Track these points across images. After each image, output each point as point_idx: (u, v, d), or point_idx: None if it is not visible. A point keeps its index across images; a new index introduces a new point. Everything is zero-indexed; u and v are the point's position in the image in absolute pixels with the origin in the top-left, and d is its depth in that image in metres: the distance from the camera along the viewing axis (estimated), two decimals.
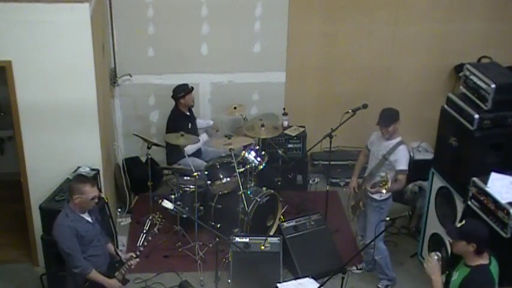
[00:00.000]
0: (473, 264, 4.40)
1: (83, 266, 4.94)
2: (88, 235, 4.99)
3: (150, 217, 6.93)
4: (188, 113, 7.36)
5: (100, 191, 5.40)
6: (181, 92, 7.20)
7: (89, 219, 5.06)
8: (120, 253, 5.38)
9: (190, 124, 7.30)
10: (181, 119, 7.23)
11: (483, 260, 4.40)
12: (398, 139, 5.94)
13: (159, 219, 5.52)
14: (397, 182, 5.88)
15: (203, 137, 7.33)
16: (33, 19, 5.66)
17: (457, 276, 4.49)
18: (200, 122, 7.59)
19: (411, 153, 7.32)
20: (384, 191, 5.64)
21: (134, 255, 5.22)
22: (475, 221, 4.94)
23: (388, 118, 5.89)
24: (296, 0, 7.55)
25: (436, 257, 4.50)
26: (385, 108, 5.98)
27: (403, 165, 5.86)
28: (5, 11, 5.60)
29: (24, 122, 5.99)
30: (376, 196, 5.94)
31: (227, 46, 7.67)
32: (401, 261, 6.54)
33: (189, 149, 6.93)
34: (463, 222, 4.69)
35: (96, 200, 5.05)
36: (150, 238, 5.34)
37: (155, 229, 5.40)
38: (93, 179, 5.28)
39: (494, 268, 4.46)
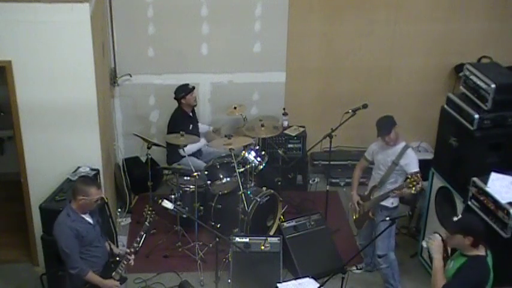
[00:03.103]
0: (471, 254, 4.44)
1: (80, 267, 4.95)
2: (88, 236, 5.00)
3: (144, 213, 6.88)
4: (191, 114, 7.37)
5: None
6: (182, 92, 7.21)
7: (90, 220, 5.07)
8: (116, 249, 5.36)
9: (191, 125, 7.30)
10: (182, 119, 7.23)
11: (480, 252, 4.44)
12: (403, 143, 5.91)
13: (149, 212, 5.45)
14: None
15: (202, 140, 7.33)
16: (33, 19, 5.66)
17: (452, 266, 4.52)
18: (201, 126, 7.59)
19: None
20: (413, 190, 5.61)
21: (129, 251, 5.21)
22: (470, 215, 5.03)
23: (386, 125, 5.86)
24: (296, 0, 7.56)
25: (439, 237, 4.54)
26: (379, 119, 5.96)
27: (415, 167, 5.81)
28: (5, 11, 5.60)
29: (24, 122, 5.99)
30: (387, 204, 5.94)
31: (227, 46, 7.67)
32: (402, 261, 6.53)
33: (189, 149, 6.93)
34: (460, 216, 4.74)
35: (99, 202, 5.08)
36: (142, 233, 5.28)
37: (146, 223, 5.34)
38: (95, 180, 5.29)
39: (490, 261, 4.48)
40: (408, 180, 5.64)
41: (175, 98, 7.25)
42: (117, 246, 6.32)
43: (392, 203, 5.97)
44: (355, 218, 6.31)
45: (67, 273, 5.07)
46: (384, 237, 5.93)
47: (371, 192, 6.11)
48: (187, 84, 7.29)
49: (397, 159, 5.86)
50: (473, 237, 4.38)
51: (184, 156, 6.73)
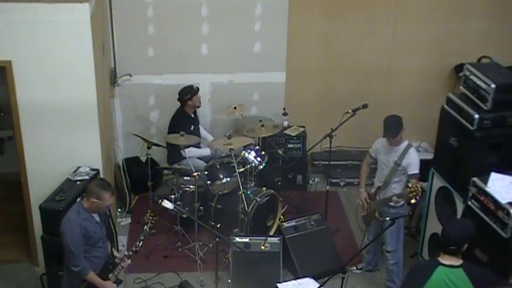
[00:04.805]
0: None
1: (82, 265, 4.95)
2: (95, 236, 5.02)
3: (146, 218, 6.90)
4: (193, 115, 7.36)
5: None
6: (188, 94, 7.19)
7: (98, 219, 5.10)
8: (115, 253, 5.38)
9: (193, 126, 7.29)
10: (184, 119, 7.22)
11: (440, 258, 4.37)
12: (405, 143, 5.90)
13: (150, 217, 5.48)
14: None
15: (206, 150, 7.32)
16: (33, 19, 5.66)
17: None
18: (202, 131, 7.57)
19: None
20: (413, 201, 5.56)
21: (127, 255, 5.22)
22: (463, 222, 5.05)
23: (395, 127, 5.80)
24: (296, 0, 7.56)
25: None
26: (388, 116, 5.88)
27: (415, 169, 5.81)
28: (5, 11, 5.61)
29: (24, 122, 5.99)
30: (394, 203, 5.91)
31: (227, 46, 7.66)
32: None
33: (190, 151, 6.92)
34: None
35: (109, 207, 5.13)
36: (142, 238, 5.31)
37: (146, 228, 5.37)
38: (111, 185, 5.27)
39: (439, 275, 4.30)
40: (408, 189, 5.57)
41: (179, 100, 7.23)
42: (117, 247, 6.35)
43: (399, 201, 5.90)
44: (364, 214, 6.27)
45: (66, 270, 5.07)
46: (393, 233, 5.94)
47: (376, 192, 6.08)
48: (192, 86, 7.27)
49: (399, 160, 5.85)
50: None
51: (185, 157, 6.72)
